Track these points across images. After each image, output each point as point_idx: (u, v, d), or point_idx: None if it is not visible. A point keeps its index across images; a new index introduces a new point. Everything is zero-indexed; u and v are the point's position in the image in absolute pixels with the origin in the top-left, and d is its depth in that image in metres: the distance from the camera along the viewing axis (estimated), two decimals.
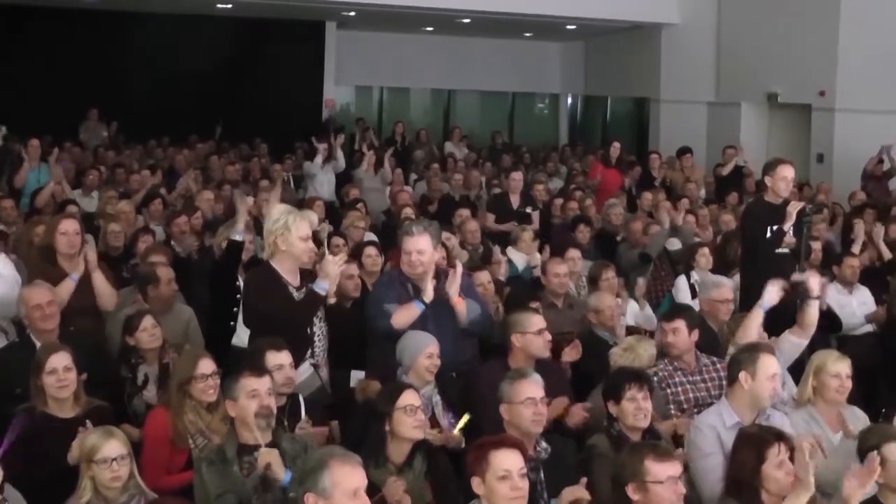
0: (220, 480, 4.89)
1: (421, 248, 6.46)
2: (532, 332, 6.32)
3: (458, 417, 5.90)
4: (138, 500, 4.79)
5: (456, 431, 5.81)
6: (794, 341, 6.78)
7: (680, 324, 6.65)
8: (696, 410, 6.37)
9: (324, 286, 6.24)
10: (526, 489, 4.46)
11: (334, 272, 6.31)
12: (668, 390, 6.48)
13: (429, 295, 6.41)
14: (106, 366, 6.61)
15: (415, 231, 6.53)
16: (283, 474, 4.74)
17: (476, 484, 4.45)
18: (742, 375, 5.63)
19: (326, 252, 6.67)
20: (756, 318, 6.75)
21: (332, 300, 6.46)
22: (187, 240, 9.63)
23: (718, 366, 6.68)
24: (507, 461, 4.42)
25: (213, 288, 7.63)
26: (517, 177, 12.44)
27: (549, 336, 6.42)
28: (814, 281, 6.86)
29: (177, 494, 5.19)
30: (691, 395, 6.56)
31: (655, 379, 6.38)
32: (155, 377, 6.46)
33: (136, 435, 5.69)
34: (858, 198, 14.38)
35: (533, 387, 5.33)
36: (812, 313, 6.79)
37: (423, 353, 6.02)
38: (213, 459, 4.99)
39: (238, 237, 7.26)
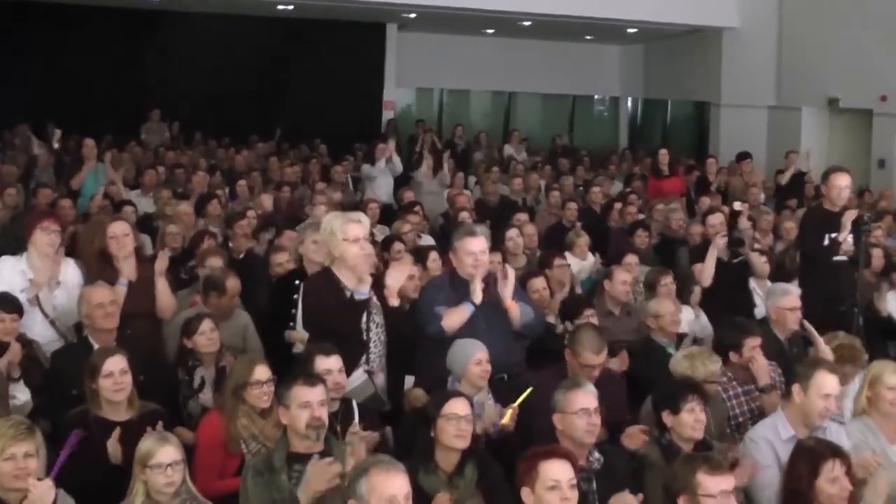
0: (264, 492, 4.89)
1: (484, 248, 6.51)
2: (590, 363, 6.18)
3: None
4: None
5: (516, 404, 5.81)
6: None
7: (759, 341, 6.66)
8: (751, 421, 6.34)
9: (363, 290, 6.23)
10: (575, 500, 4.47)
11: (396, 284, 6.34)
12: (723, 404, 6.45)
13: (478, 296, 6.40)
14: (162, 369, 6.69)
15: (478, 231, 6.58)
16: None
17: (525, 494, 4.45)
18: (795, 388, 5.64)
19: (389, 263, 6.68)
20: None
21: (394, 302, 6.42)
22: (245, 242, 9.68)
23: (773, 374, 6.66)
24: (557, 471, 4.43)
25: (272, 296, 7.65)
26: None
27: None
28: None
29: (229, 499, 5.22)
30: (746, 407, 6.54)
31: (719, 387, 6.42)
32: (212, 380, 6.54)
33: (191, 438, 5.76)
34: None
35: (587, 397, 5.31)
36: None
37: (472, 361, 6.02)
38: (261, 469, 4.99)
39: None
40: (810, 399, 5.55)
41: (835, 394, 5.61)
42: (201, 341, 6.61)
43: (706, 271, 8.73)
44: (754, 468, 5.38)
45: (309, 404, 5.01)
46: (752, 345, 6.65)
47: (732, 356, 6.67)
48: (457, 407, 5.17)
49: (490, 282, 6.55)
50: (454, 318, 6.37)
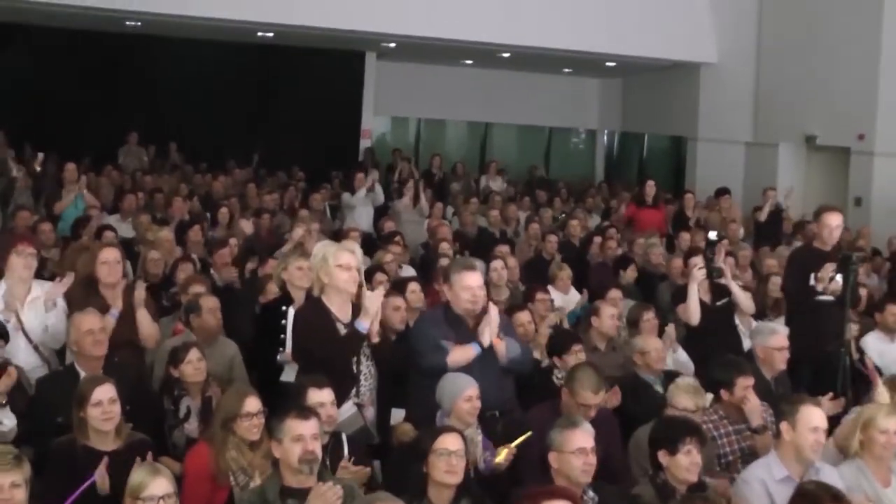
0: None
1: (481, 283, 6.48)
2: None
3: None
4: None
5: (513, 446, 5.76)
6: None
7: (750, 381, 6.66)
8: (741, 461, 6.32)
9: (364, 325, 6.19)
10: None
11: (374, 308, 6.25)
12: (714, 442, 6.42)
13: (486, 339, 6.35)
14: (147, 398, 6.59)
15: (475, 266, 6.55)
16: None
17: None
18: (783, 426, 5.62)
19: (365, 287, 6.59)
20: None
21: (375, 339, 6.37)
22: (228, 271, 9.60)
23: (765, 414, 6.63)
24: None
25: (259, 322, 7.58)
26: None
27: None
28: None
29: None
30: (736, 445, 6.52)
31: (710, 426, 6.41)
32: (197, 410, 6.46)
33: (178, 469, 5.66)
34: None
35: (584, 436, 5.28)
36: None
37: (462, 397, 5.96)
38: (254, 501, 4.92)
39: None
40: (800, 434, 5.52)
41: (823, 427, 5.58)
42: (188, 370, 6.53)
43: (691, 310, 8.67)
44: None
45: (302, 438, 4.93)
46: (745, 384, 6.64)
47: (724, 394, 6.67)
48: (448, 442, 5.12)
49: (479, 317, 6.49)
50: (460, 356, 6.30)
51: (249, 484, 5.42)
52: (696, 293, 8.65)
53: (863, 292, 9.96)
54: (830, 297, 8.43)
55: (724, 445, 6.50)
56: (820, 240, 8.69)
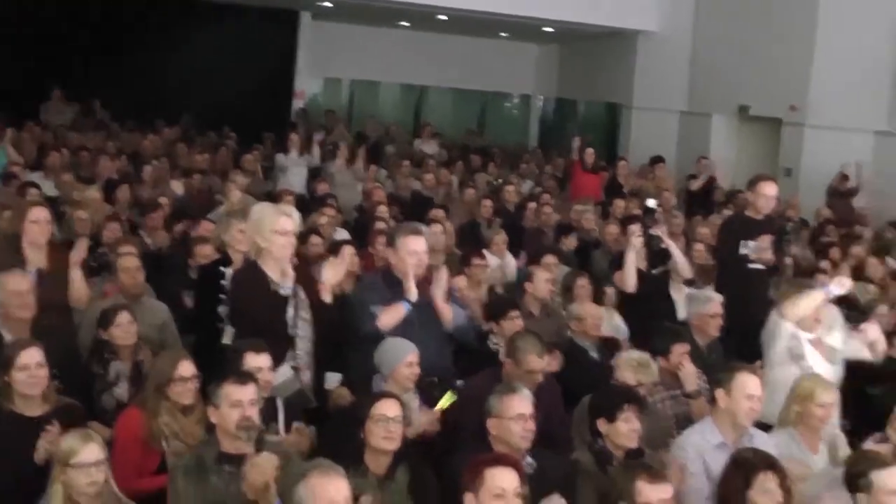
0: (196, 492, 4.72)
1: (426, 247, 6.45)
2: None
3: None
4: None
5: (438, 407, 5.76)
6: (859, 350, 7.05)
7: (687, 348, 6.76)
8: (676, 427, 6.34)
9: (288, 287, 6.12)
10: None
11: (330, 277, 6.24)
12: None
13: (412, 293, 6.30)
14: (75, 361, 6.44)
15: (422, 230, 6.53)
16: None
17: (469, 500, 4.37)
18: (719, 393, 5.64)
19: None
20: (815, 300, 6.83)
21: (327, 298, 6.33)
22: (160, 235, 9.40)
23: (700, 381, 6.69)
24: (504, 480, 4.36)
25: (200, 281, 7.43)
26: None
27: (547, 362, 6.28)
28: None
29: (149, 499, 5.03)
30: (671, 411, 6.56)
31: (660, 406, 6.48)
32: (127, 374, 6.30)
33: (107, 435, 5.52)
34: (823, 214, 14.46)
35: (523, 402, 5.25)
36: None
37: (404, 362, 5.91)
38: (191, 468, 4.81)
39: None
40: (735, 401, 5.55)
41: (758, 394, 5.60)
42: (118, 333, 6.37)
43: (627, 277, 8.69)
44: (683, 470, 5.34)
45: (240, 403, 4.85)
46: (681, 351, 6.75)
47: (661, 361, 6.71)
48: (386, 408, 5.06)
49: (423, 283, 6.44)
50: (390, 316, 6.27)
51: (182, 450, 5.31)
52: (634, 260, 8.66)
53: (788, 261, 10.04)
54: (761, 266, 8.48)
55: (659, 411, 6.51)
56: (753, 208, 8.70)
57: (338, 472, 4.12)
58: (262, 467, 4.53)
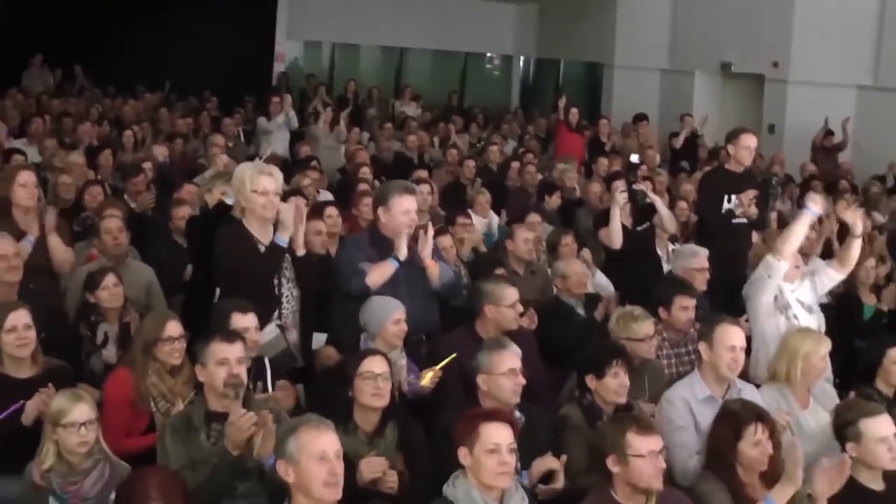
0: (183, 451, 4.73)
1: (416, 206, 6.45)
2: (506, 306, 6.24)
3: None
4: (103, 465, 4.64)
5: (438, 368, 5.77)
6: (832, 275, 7.07)
7: (689, 302, 6.67)
8: None
9: (283, 239, 6.11)
10: (513, 464, 4.41)
11: (288, 218, 6.16)
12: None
13: (402, 252, 6.30)
14: (63, 324, 6.44)
15: (414, 189, 6.53)
16: (267, 456, 4.58)
17: (463, 455, 4.38)
18: (701, 346, 5.64)
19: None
20: (802, 225, 6.81)
21: (301, 251, 6.30)
22: (144, 197, 9.37)
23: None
24: (498, 435, 4.37)
25: (191, 244, 7.40)
26: None
27: (521, 308, 6.34)
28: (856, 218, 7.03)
29: (138, 458, 5.03)
30: (675, 369, 6.54)
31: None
32: (115, 336, 6.28)
33: (96, 396, 5.50)
34: (808, 169, 14.49)
35: (513, 357, 5.29)
36: (855, 249, 7.04)
37: (391, 320, 5.91)
38: (178, 427, 4.83)
39: (230, 201, 6.85)
40: (717, 353, 5.54)
41: (740, 345, 5.60)
42: (104, 296, 6.34)
43: (613, 233, 8.69)
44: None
45: (227, 361, 4.86)
46: (682, 304, 6.65)
47: (662, 312, 6.66)
48: (374, 365, 5.07)
49: (409, 241, 6.44)
50: (378, 274, 6.26)
51: (170, 410, 5.32)
52: (619, 217, 8.66)
53: (773, 215, 10.04)
54: (744, 220, 8.48)
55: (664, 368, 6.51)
56: (734, 161, 8.62)
57: (328, 426, 4.11)
58: (239, 425, 4.55)
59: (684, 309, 6.66)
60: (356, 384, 5.02)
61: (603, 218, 8.97)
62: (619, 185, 8.94)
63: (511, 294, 6.29)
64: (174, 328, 5.52)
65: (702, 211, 9.05)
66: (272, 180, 6.19)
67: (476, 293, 6.43)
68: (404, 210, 6.36)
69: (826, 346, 5.99)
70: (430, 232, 6.52)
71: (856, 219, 7.01)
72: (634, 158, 10.25)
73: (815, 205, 6.90)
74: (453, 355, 5.81)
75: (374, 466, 4.78)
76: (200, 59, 19.82)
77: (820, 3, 15.95)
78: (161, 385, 5.45)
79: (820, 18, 15.94)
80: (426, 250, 6.42)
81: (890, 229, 10.97)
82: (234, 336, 5.05)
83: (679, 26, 18.82)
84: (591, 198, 10.89)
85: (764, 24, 16.72)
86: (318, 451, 4.00)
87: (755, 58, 17.04)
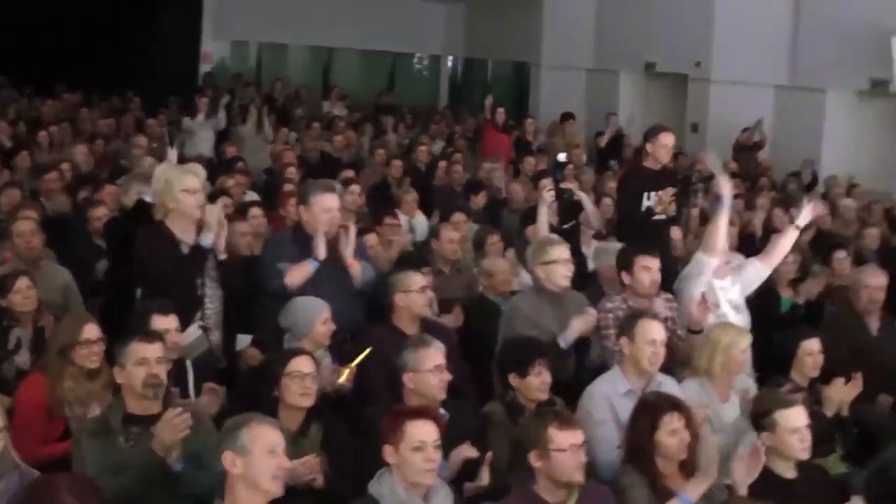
0: (101, 454, 4.66)
1: (338, 205, 6.47)
2: (415, 291, 6.23)
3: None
4: (11, 475, 4.43)
5: (354, 363, 5.76)
6: (759, 270, 7.11)
7: (654, 262, 6.60)
8: None
9: (206, 241, 6.08)
10: (439, 461, 4.43)
11: (214, 220, 6.14)
12: None
13: (321, 251, 6.29)
14: None
15: (335, 188, 6.54)
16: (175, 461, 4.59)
17: (388, 452, 4.39)
18: (623, 341, 5.71)
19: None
20: (722, 219, 6.88)
21: (222, 255, 6.28)
22: (58, 197, 9.21)
23: (672, 303, 6.73)
24: (423, 432, 4.39)
25: (110, 245, 7.29)
26: None
27: (431, 294, 6.35)
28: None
29: (53, 466, 4.92)
30: None
31: (611, 317, 6.43)
32: (28, 341, 6.17)
33: (7, 403, 5.40)
34: (730, 168, 14.63)
35: (438, 354, 5.30)
36: (790, 241, 7.18)
37: (320, 320, 5.89)
38: (96, 430, 4.76)
39: (149, 198, 6.84)
40: (638, 347, 5.62)
41: (660, 339, 5.67)
42: (16, 300, 6.20)
43: (541, 232, 8.69)
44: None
45: (146, 361, 4.81)
46: (644, 264, 6.57)
47: (624, 277, 6.63)
48: (302, 364, 5.08)
49: (332, 240, 6.44)
50: (297, 274, 6.27)
51: (86, 415, 5.24)
52: (546, 215, 8.67)
53: (694, 212, 10.12)
54: (663, 217, 8.54)
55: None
56: (653, 159, 8.68)
57: (274, 423, 4.21)
58: (174, 424, 4.52)
59: (647, 269, 6.56)
60: (284, 383, 5.01)
61: (530, 216, 8.99)
62: (546, 183, 8.95)
63: (418, 280, 6.29)
64: (92, 331, 5.43)
65: (621, 208, 9.08)
66: (197, 179, 6.20)
67: (386, 287, 6.41)
68: (325, 208, 6.37)
69: (746, 339, 6.07)
70: (353, 231, 6.52)
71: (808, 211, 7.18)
72: (562, 157, 10.30)
73: (726, 191, 6.97)
74: (368, 350, 5.82)
75: (310, 466, 4.75)
76: (124, 59, 19.57)
77: (739, 3, 16.17)
78: (78, 389, 5.36)
79: (740, 19, 16.16)
80: (348, 249, 6.42)
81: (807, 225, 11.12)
82: (153, 336, 5.01)
83: (604, 26, 18.96)
84: (515, 197, 10.94)
85: (686, 25, 16.91)
86: (270, 444, 4.05)
87: (678, 58, 17.22)
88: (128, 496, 4.49)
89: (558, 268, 6.39)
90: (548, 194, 8.74)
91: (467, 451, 4.96)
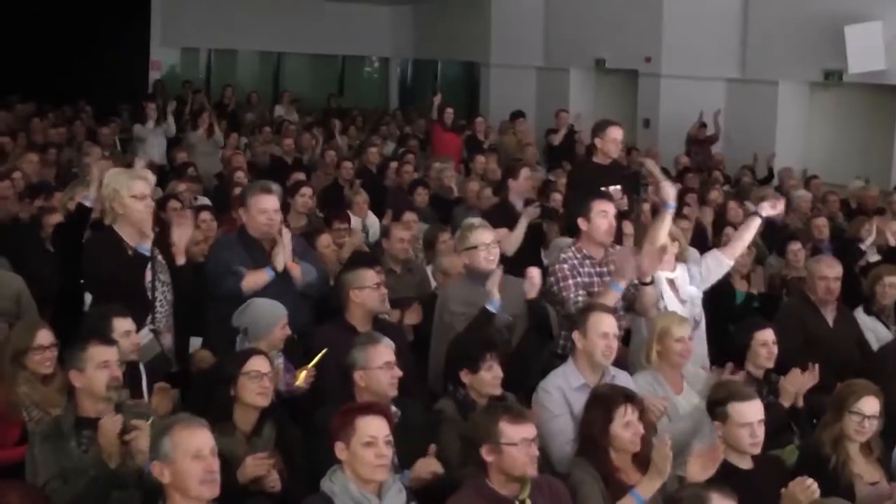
0: (53, 459, 4.67)
1: (277, 206, 6.46)
2: (369, 287, 6.25)
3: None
4: None
5: (311, 365, 5.77)
6: (722, 261, 7.12)
7: (608, 207, 6.57)
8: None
9: (145, 248, 6.09)
10: (390, 456, 4.45)
11: (182, 242, 6.21)
12: (578, 279, 6.40)
13: (280, 264, 6.35)
14: None
15: (273, 189, 6.50)
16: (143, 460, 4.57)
17: (339, 449, 4.41)
18: (575, 335, 5.70)
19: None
20: (665, 219, 6.85)
21: (181, 261, 6.32)
22: (9, 205, 9.17)
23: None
24: (374, 427, 4.41)
25: (58, 251, 7.28)
26: None
27: (385, 291, 6.39)
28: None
29: (10, 470, 4.96)
30: (598, 288, 6.41)
31: (566, 266, 6.40)
32: None
33: None
34: (683, 162, 14.80)
35: (388, 350, 5.31)
36: (752, 233, 7.21)
37: (279, 325, 5.92)
38: (49, 434, 4.78)
39: (89, 203, 6.82)
40: (591, 341, 5.61)
41: (613, 332, 5.67)
42: None
43: (514, 242, 8.44)
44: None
45: (108, 364, 4.85)
46: (601, 208, 6.52)
47: (581, 223, 6.55)
48: (259, 364, 5.10)
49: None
50: (254, 280, 6.30)
51: (44, 419, 5.25)
52: (525, 226, 8.60)
53: (646, 207, 10.20)
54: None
55: (590, 285, 6.41)
56: (602, 154, 8.75)
57: (201, 424, 4.11)
58: (106, 427, 4.54)
59: (603, 214, 6.50)
60: (241, 382, 5.02)
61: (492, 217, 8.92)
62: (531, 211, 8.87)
63: (371, 276, 6.31)
64: (45, 337, 5.46)
65: (569, 202, 9.09)
66: (147, 184, 6.21)
67: (339, 285, 6.45)
68: (261, 209, 6.40)
69: (684, 328, 6.09)
70: (287, 234, 6.56)
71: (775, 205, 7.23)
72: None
73: (670, 196, 6.97)
74: (324, 351, 5.83)
75: (259, 465, 4.76)
76: (74, 68, 19.49)
77: None
78: (33, 394, 5.38)
79: (688, 13, 16.27)
80: (286, 253, 6.46)
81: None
82: (111, 339, 5.06)
83: (553, 24, 19.04)
84: (470, 196, 10.98)
85: (635, 21, 17.01)
86: (193, 448, 3.99)
87: (628, 54, 17.33)
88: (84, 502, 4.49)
89: (479, 252, 6.44)
90: (533, 211, 8.75)
91: (432, 464, 4.90)
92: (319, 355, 5.82)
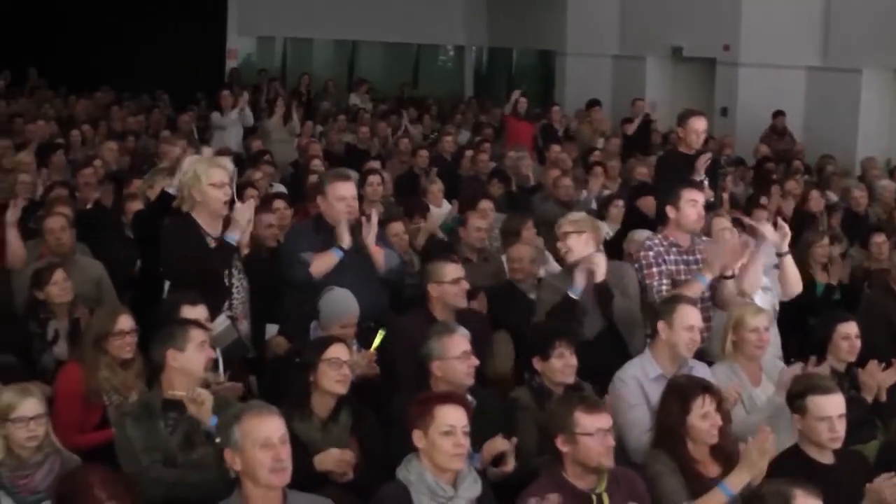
0: (146, 435, 4.75)
1: (354, 192, 6.46)
2: (448, 282, 6.23)
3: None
4: (53, 459, 4.63)
5: (372, 348, 5.79)
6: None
7: (698, 196, 6.53)
8: None
9: (233, 236, 6.11)
10: (467, 446, 4.45)
11: (244, 220, 6.17)
12: (663, 267, 6.39)
13: (346, 241, 6.32)
14: (12, 322, 6.43)
15: (350, 176, 6.54)
16: (209, 418, 4.69)
17: (418, 437, 4.42)
18: (660, 325, 5.64)
19: (236, 200, 6.46)
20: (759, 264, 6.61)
21: (245, 250, 6.34)
22: (92, 193, 9.32)
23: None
24: (453, 417, 4.42)
25: (138, 238, 7.37)
26: None
27: (466, 285, 6.34)
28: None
29: (91, 453, 5.02)
30: (683, 276, 6.41)
31: (651, 254, 6.39)
32: (65, 332, 6.29)
33: (48, 392, 5.49)
34: (761, 151, 14.60)
35: (464, 340, 5.30)
36: (790, 269, 6.82)
37: (338, 323, 5.90)
38: (139, 414, 4.85)
39: (172, 190, 6.81)
40: (676, 332, 5.56)
41: (698, 325, 5.62)
42: (54, 292, 6.33)
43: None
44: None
45: (205, 345, 4.99)
46: (691, 197, 6.49)
47: (670, 211, 6.52)
48: (339, 352, 5.12)
49: (355, 228, 6.46)
50: (322, 263, 6.28)
51: (123, 403, 5.33)
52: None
53: (725, 196, 10.07)
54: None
55: (674, 273, 6.38)
56: (685, 144, 8.70)
57: (272, 411, 4.12)
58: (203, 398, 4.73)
59: (693, 203, 6.47)
60: (321, 369, 5.03)
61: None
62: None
63: (452, 270, 6.28)
64: (125, 322, 5.52)
65: (661, 193, 9.03)
66: (225, 172, 6.23)
67: (422, 275, 6.46)
68: (339, 196, 6.38)
69: (760, 318, 5.94)
70: (375, 218, 6.56)
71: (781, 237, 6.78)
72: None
73: (768, 236, 6.68)
74: (383, 334, 5.85)
75: (328, 461, 4.79)
76: (152, 57, 19.74)
77: None
78: (113, 379, 5.45)
79: (769, 0, 16.04)
80: (370, 237, 6.46)
81: (843, 208, 11.09)
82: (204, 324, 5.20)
83: (629, 12, 18.86)
84: (548, 183, 10.92)
85: (713, 8, 16.78)
86: (262, 437, 4.00)
87: (706, 42, 17.09)
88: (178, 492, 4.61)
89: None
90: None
91: (499, 443, 4.95)
92: (379, 338, 5.82)
